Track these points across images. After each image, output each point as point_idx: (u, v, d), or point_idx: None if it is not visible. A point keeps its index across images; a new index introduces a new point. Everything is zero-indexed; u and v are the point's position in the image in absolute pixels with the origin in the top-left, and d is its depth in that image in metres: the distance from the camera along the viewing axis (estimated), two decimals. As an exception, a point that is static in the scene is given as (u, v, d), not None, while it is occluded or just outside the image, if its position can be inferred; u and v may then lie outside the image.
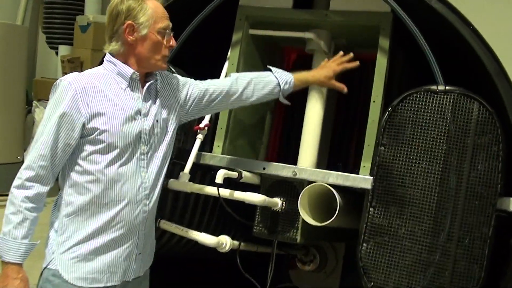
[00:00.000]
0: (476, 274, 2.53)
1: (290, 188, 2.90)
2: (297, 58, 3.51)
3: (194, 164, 2.94)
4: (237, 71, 3.05)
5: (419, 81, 2.77)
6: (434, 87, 2.69)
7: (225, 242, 2.88)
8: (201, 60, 3.11)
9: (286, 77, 2.75)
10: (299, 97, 3.21)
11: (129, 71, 2.29)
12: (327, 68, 2.83)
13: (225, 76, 3.01)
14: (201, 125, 2.97)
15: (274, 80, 2.67)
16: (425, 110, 2.67)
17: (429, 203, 2.55)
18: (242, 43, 3.02)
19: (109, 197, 2.28)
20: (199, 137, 3.00)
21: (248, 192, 2.82)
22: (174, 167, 2.90)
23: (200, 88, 2.54)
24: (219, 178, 2.74)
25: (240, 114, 3.07)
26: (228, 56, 3.10)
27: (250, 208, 2.82)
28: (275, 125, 3.50)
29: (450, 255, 2.57)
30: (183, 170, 2.92)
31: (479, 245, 2.55)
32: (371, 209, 2.69)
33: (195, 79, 2.76)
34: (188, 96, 2.52)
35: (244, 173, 2.87)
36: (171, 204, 2.98)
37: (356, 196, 2.86)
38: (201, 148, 2.99)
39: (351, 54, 2.81)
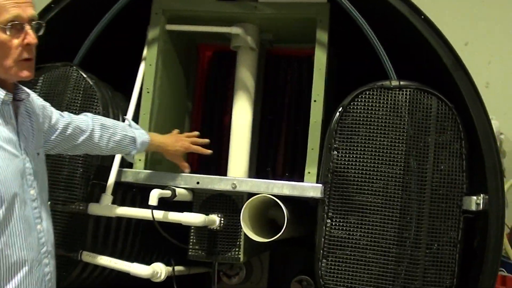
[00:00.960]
0: (448, 282, 2.35)
1: (227, 203, 2.60)
2: (213, 56, 3.19)
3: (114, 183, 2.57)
4: (156, 73, 2.72)
5: (356, 80, 2.55)
6: (387, 83, 2.45)
7: (159, 270, 2.50)
8: (116, 62, 2.77)
9: (143, 137, 2.40)
10: (217, 99, 3.05)
11: None
12: (182, 144, 2.56)
13: (141, 79, 2.73)
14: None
15: (132, 136, 2.35)
16: (379, 108, 2.43)
17: (391, 210, 2.33)
18: (159, 40, 2.68)
19: (5, 267, 1.75)
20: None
21: (185, 213, 2.50)
22: (93, 189, 2.55)
23: (64, 119, 2.14)
24: (153, 200, 2.39)
25: (160, 120, 2.73)
26: (143, 56, 2.75)
27: (176, 226, 2.50)
28: (193, 130, 3.04)
29: (419, 264, 2.35)
30: (103, 191, 2.56)
31: (448, 251, 2.35)
32: (328, 220, 2.41)
33: (110, 84, 2.50)
34: (51, 124, 2.08)
35: (178, 190, 2.54)
36: (92, 232, 2.58)
37: (295, 204, 2.62)
38: (121, 164, 2.63)
39: (207, 140, 2.64)
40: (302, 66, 3.05)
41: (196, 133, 2.60)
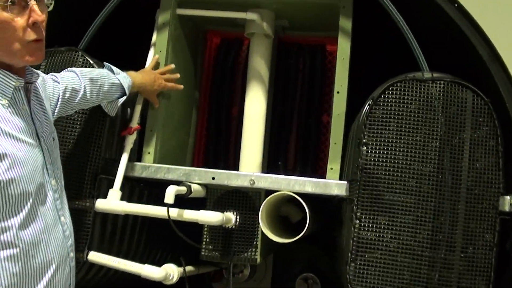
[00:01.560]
0: (483, 288, 2.12)
1: (244, 200, 2.43)
2: (221, 43, 3.01)
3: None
4: (166, 60, 2.55)
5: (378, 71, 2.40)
6: (419, 75, 2.27)
7: (172, 272, 2.33)
8: (123, 47, 2.62)
9: (127, 81, 2.28)
10: (225, 89, 2.91)
11: (8, 79, 1.58)
12: (159, 84, 2.44)
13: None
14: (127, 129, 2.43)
15: (117, 83, 2.23)
16: (411, 102, 2.25)
17: (424, 210, 2.15)
18: (170, 26, 2.52)
19: (32, 269, 1.60)
20: (128, 145, 2.43)
21: (202, 211, 2.32)
22: (100, 184, 2.35)
23: (60, 86, 1.99)
24: (169, 198, 2.20)
25: (170, 110, 2.60)
26: (152, 41, 2.57)
27: (183, 223, 2.32)
28: (200, 122, 3.01)
29: (453, 268, 2.19)
30: (111, 186, 2.35)
31: (484, 255, 2.19)
32: (357, 221, 2.24)
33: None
34: (53, 96, 1.95)
35: (193, 187, 2.36)
36: (100, 231, 2.38)
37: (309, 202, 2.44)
38: (131, 157, 2.44)
39: (177, 75, 2.51)
40: (315, 55, 2.91)
41: (171, 67, 2.46)
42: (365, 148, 2.26)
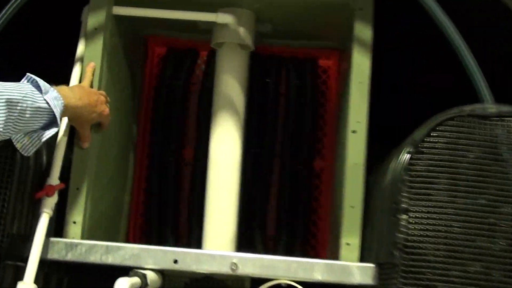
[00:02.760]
0: None
1: None
2: (167, 55, 2.78)
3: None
4: (100, 80, 2.30)
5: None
6: (480, 108, 2.09)
7: None
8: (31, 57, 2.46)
9: (58, 103, 1.96)
10: (173, 122, 2.72)
11: None
12: (101, 111, 2.22)
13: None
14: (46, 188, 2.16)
15: (45, 107, 1.91)
16: (470, 147, 2.07)
17: None
18: (105, 30, 2.30)
19: None
20: (46, 212, 2.13)
21: None
22: (4, 273, 2.10)
23: None
24: None
25: (104, 154, 2.39)
26: (79, 52, 2.33)
27: None
28: (138, 171, 2.76)
29: None
30: (20, 277, 2.06)
31: None
32: None
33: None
34: None
35: (149, 276, 2.12)
36: None
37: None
38: (49, 231, 2.18)
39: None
40: (304, 73, 2.72)
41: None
42: (406, 216, 2.05)
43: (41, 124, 1.94)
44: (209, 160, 2.44)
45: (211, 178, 2.43)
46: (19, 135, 1.93)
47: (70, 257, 2.17)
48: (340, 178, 2.30)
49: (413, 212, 2.05)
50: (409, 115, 2.26)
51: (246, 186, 2.59)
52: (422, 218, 2.06)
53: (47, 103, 1.91)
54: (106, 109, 2.20)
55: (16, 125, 1.84)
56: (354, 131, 2.24)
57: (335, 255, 2.28)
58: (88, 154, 2.27)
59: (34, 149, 1.97)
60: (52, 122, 1.95)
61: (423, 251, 2.03)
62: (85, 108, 2.12)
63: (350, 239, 2.22)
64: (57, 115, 1.93)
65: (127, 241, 2.63)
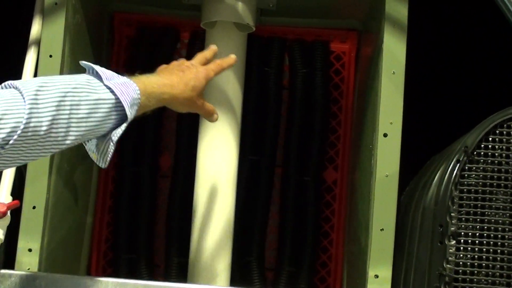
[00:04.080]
0: None
1: None
2: (138, 36, 2.82)
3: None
4: (61, 68, 2.32)
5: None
6: None
7: None
8: None
9: (131, 88, 1.87)
10: (147, 123, 2.71)
11: None
12: (195, 73, 2.11)
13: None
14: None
15: (109, 97, 1.83)
16: None
17: None
18: (67, 6, 2.32)
19: None
20: None
21: None
22: None
23: None
24: None
25: (62, 168, 2.42)
26: (34, 34, 2.34)
27: None
28: (103, 186, 2.79)
29: None
30: None
31: None
32: None
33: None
34: None
35: None
36: None
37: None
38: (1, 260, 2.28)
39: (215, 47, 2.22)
40: (313, 59, 2.76)
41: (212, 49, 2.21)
42: (454, 242, 2.08)
43: (113, 122, 1.87)
44: (197, 171, 2.43)
45: (198, 194, 2.43)
46: (90, 143, 1.91)
47: None
48: (364, 193, 2.32)
49: (465, 236, 2.09)
50: (450, 112, 2.29)
51: (240, 202, 2.58)
52: (475, 244, 2.08)
53: (112, 91, 1.85)
54: (198, 67, 2.14)
55: (73, 126, 1.79)
56: (385, 135, 2.25)
57: None
58: (45, 164, 2.29)
59: (109, 156, 1.91)
60: (122, 118, 1.88)
61: (477, 285, 2.06)
62: (176, 87, 2.07)
63: (380, 271, 2.23)
64: (126, 103, 1.85)
65: (88, 273, 2.64)
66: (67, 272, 2.35)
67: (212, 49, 2.18)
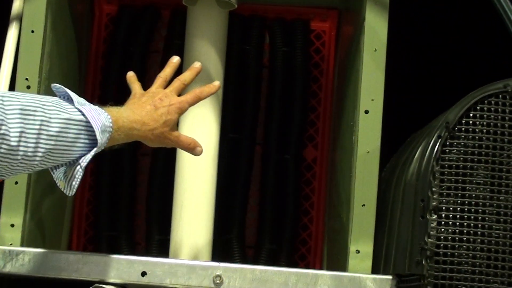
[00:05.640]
0: None
1: None
2: (118, 14, 2.82)
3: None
4: (43, 50, 2.31)
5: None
6: None
7: None
8: None
9: (101, 117, 1.86)
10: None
11: None
12: (168, 107, 2.07)
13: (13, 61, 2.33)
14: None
15: (80, 119, 1.81)
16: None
17: None
18: None
19: None
20: None
21: None
22: None
23: None
24: None
25: None
26: (15, 11, 2.32)
27: None
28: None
29: None
30: None
31: None
32: None
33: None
34: None
35: None
36: None
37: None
38: None
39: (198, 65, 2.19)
40: (293, 37, 2.77)
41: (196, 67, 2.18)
42: (436, 216, 2.08)
43: (82, 146, 1.84)
44: (178, 149, 2.41)
45: (179, 171, 2.44)
46: (58, 172, 1.88)
47: (9, 268, 2.16)
48: (344, 170, 2.32)
49: (446, 211, 2.08)
50: (430, 90, 2.30)
51: (220, 180, 2.59)
52: (456, 218, 2.08)
53: (83, 114, 1.82)
54: (171, 100, 2.08)
55: (42, 142, 1.76)
56: (366, 111, 2.25)
57: (337, 266, 2.31)
58: None
59: (77, 183, 1.88)
60: (92, 143, 1.85)
61: (458, 259, 2.06)
62: (146, 124, 2.02)
63: (361, 246, 2.24)
64: (96, 127, 1.82)
65: (70, 249, 2.66)
66: (48, 249, 2.30)
67: (194, 68, 2.16)
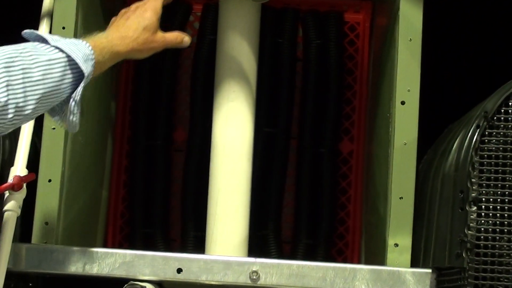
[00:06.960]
0: None
1: None
2: None
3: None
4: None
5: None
6: None
7: None
8: None
9: (79, 47, 1.86)
10: (160, 97, 2.75)
11: None
12: (141, 13, 2.07)
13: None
14: (12, 180, 2.11)
15: (60, 57, 1.81)
16: None
17: None
18: None
19: None
20: (11, 209, 2.11)
21: None
22: None
23: None
24: None
25: (77, 141, 2.41)
26: (46, 8, 2.31)
27: None
28: (117, 160, 2.81)
29: None
30: None
31: None
32: None
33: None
34: None
35: None
36: None
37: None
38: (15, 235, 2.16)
39: None
40: (327, 30, 2.75)
41: None
42: (476, 208, 2.05)
43: (70, 82, 1.85)
44: (212, 144, 2.42)
45: (214, 167, 2.42)
46: (55, 113, 1.89)
47: (43, 267, 2.17)
48: (381, 163, 2.31)
49: (486, 202, 2.06)
50: (467, 80, 2.29)
51: (255, 175, 2.57)
52: (497, 209, 2.06)
53: (61, 50, 1.82)
54: (144, 6, 2.08)
55: (29, 90, 1.76)
56: (403, 102, 2.23)
57: (375, 260, 2.30)
58: (60, 137, 2.28)
59: (77, 118, 1.89)
60: (79, 76, 1.85)
61: (499, 251, 2.04)
62: (126, 37, 2.01)
63: (399, 239, 2.22)
64: (78, 59, 1.82)
65: (105, 247, 2.66)
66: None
67: None
